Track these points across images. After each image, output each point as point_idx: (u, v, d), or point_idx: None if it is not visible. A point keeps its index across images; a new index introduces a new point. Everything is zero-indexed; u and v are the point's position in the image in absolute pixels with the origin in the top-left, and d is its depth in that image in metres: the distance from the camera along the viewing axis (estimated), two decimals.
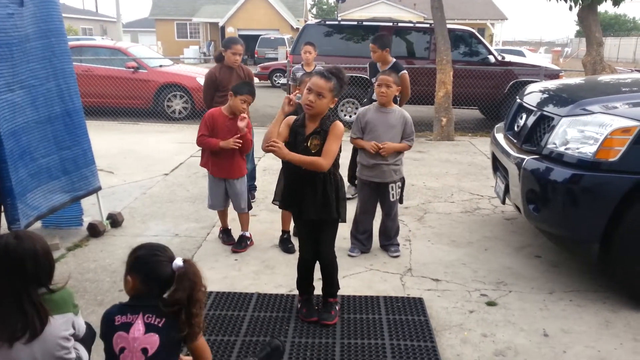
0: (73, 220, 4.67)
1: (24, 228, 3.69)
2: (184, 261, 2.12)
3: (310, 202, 3.05)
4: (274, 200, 4.44)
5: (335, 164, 3.07)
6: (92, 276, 3.81)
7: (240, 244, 4.33)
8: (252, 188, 5.64)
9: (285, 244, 4.35)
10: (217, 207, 4.40)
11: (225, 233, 4.49)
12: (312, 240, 3.20)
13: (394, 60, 5.61)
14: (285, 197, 3.27)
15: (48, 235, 4.30)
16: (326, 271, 3.26)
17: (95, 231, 4.51)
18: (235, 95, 4.08)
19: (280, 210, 4.20)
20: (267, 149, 2.86)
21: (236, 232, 4.47)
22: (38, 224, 4.47)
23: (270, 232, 4.70)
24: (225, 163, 4.20)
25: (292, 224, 4.34)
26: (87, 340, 2.33)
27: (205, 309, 3.30)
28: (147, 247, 2.17)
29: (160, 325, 2.04)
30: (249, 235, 4.41)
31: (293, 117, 3.03)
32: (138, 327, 2.03)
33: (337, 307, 3.30)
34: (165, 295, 2.09)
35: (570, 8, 9.89)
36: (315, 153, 2.94)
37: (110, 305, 3.30)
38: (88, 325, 2.40)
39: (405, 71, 5.45)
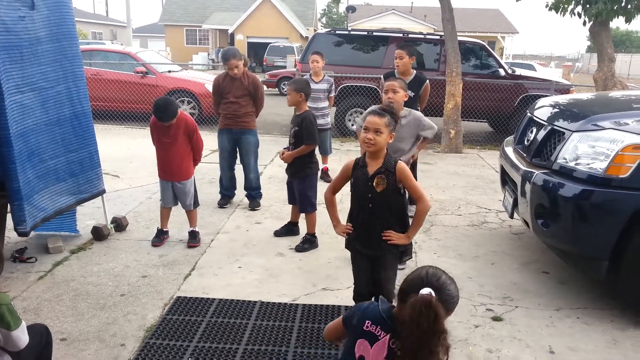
0: (68, 226, 4.60)
1: (29, 230, 3.69)
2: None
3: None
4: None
5: None
6: (95, 280, 3.79)
7: (195, 238, 4.53)
8: (257, 196, 5.62)
9: (309, 243, 4.53)
10: (168, 204, 4.58)
11: (160, 234, 4.57)
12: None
13: (415, 71, 5.53)
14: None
15: (52, 238, 4.30)
16: None
17: (99, 235, 4.50)
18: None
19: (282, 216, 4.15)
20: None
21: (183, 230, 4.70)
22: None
23: (275, 240, 4.67)
24: (173, 167, 4.49)
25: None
26: (36, 348, 2.26)
27: (207, 316, 3.29)
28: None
29: None
30: (198, 231, 4.60)
31: (353, 161, 3.02)
32: (382, 347, 1.91)
33: None
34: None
35: (584, 23, 9.85)
36: (381, 192, 2.87)
37: (112, 308, 3.34)
38: (46, 330, 2.35)
39: (428, 81, 5.50)
